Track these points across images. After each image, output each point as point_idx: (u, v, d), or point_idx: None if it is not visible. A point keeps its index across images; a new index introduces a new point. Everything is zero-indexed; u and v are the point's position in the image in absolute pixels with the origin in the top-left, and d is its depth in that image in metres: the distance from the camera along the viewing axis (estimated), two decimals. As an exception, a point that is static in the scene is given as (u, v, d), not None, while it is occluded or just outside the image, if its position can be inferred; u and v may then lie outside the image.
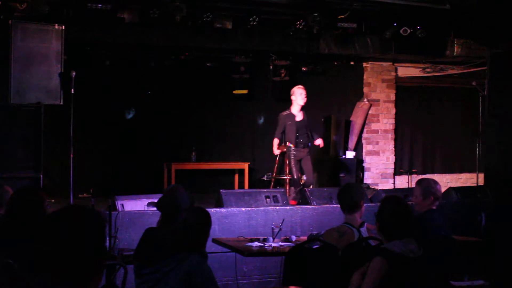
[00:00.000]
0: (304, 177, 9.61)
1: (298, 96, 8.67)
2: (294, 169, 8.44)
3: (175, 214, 4.09)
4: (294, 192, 8.31)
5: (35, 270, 1.80)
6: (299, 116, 8.69)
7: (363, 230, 4.63)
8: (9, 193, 4.54)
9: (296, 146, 8.55)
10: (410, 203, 5.00)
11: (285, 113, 8.74)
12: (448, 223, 5.02)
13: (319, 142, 8.73)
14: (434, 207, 4.80)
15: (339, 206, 4.87)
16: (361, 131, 11.27)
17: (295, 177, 8.41)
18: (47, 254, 1.75)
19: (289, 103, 10.90)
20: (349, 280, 3.74)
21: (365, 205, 4.83)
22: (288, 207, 6.86)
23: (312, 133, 8.86)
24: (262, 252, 5.09)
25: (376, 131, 11.30)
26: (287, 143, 8.60)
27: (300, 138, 8.65)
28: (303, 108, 8.73)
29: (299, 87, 8.78)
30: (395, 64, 11.30)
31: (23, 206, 4.09)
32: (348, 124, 11.02)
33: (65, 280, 1.75)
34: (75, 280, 1.77)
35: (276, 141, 8.76)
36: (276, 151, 8.79)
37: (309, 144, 8.75)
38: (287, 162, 8.60)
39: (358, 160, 11.03)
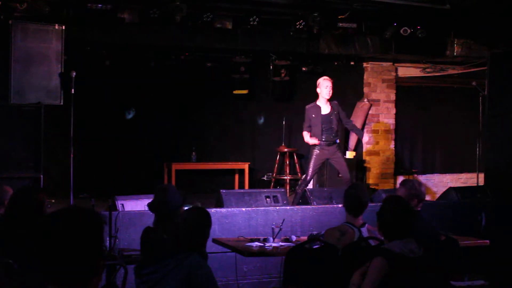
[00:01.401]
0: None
1: (323, 89, 7.86)
2: (310, 169, 7.85)
3: (168, 214, 4.11)
4: (297, 195, 7.80)
5: (34, 270, 1.80)
6: (325, 109, 7.90)
7: (364, 230, 4.62)
8: (9, 193, 4.54)
9: (320, 143, 7.83)
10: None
11: (309, 105, 7.98)
12: (435, 224, 5.01)
13: (365, 139, 8.05)
14: (419, 209, 4.78)
15: (339, 206, 4.85)
16: (361, 131, 11.27)
17: (307, 178, 7.90)
18: (46, 254, 1.75)
19: (289, 103, 10.88)
20: (349, 280, 3.74)
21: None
22: (288, 207, 6.86)
23: (351, 128, 8.29)
24: (262, 252, 5.09)
25: (376, 131, 11.31)
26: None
27: (323, 134, 7.85)
28: (332, 100, 8.00)
29: (325, 79, 7.97)
30: (395, 64, 11.29)
31: (23, 206, 4.10)
32: (348, 124, 11.01)
33: (64, 281, 1.75)
34: (74, 280, 1.76)
35: (306, 133, 7.95)
36: (311, 141, 7.89)
37: (336, 141, 7.98)
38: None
39: (358, 160, 11.03)
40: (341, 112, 8.04)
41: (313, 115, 7.88)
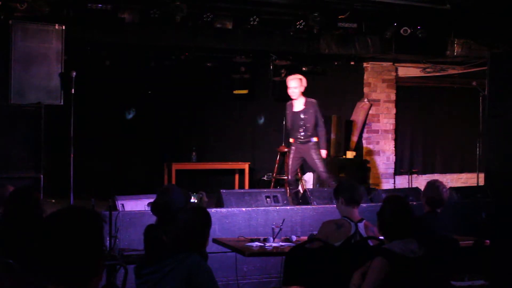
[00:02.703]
0: (304, 178, 9.52)
1: (288, 90, 7.99)
2: (288, 167, 7.89)
3: (170, 216, 4.10)
4: (290, 195, 7.74)
5: (34, 270, 1.80)
6: (297, 106, 7.91)
7: (360, 225, 4.64)
8: (9, 192, 4.54)
9: (294, 141, 7.91)
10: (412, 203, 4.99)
11: (288, 102, 8.09)
12: (448, 226, 5.01)
13: (323, 154, 7.89)
14: (438, 211, 4.81)
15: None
16: (362, 131, 11.27)
17: (288, 178, 7.93)
18: (46, 254, 1.75)
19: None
20: (349, 280, 3.74)
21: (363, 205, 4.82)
22: (288, 207, 6.85)
23: (317, 128, 7.94)
24: (262, 252, 5.09)
25: (377, 131, 11.30)
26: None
27: (295, 131, 7.86)
28: (309, 98, 7.96)
29: (289, 79, 8.04)
30: (396, 64, 11.29)
31: (18, 206, 4.10)
32: (348, 124, 11.02)
33: (64, 281, 1.75)
34: (74, 280, 1.77)
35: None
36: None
37: (312, 139, 7.84)
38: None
39: (359, 160, 11.03)
40: (317, 112, 7.94)
41: (287, 112, 8.04)
